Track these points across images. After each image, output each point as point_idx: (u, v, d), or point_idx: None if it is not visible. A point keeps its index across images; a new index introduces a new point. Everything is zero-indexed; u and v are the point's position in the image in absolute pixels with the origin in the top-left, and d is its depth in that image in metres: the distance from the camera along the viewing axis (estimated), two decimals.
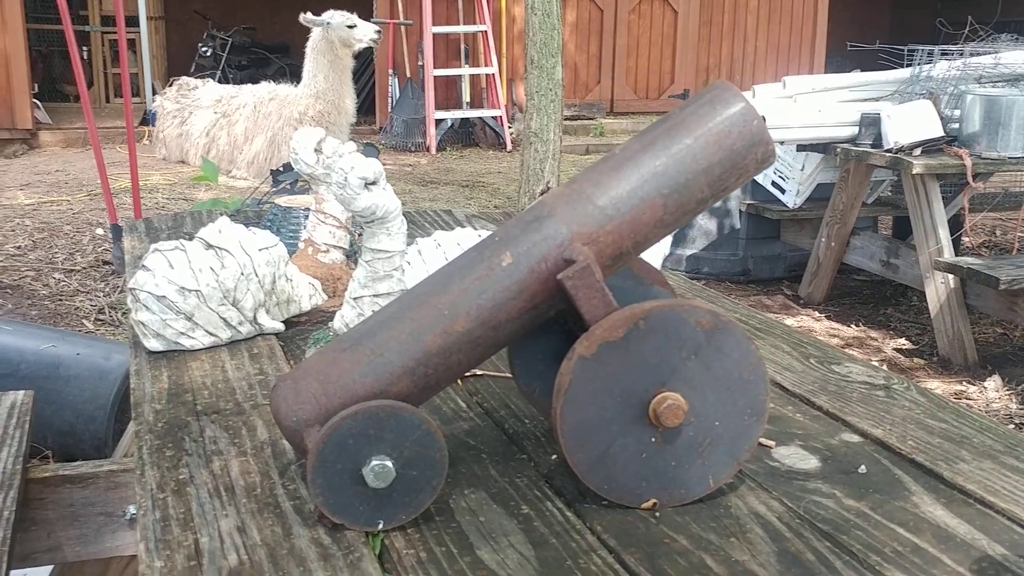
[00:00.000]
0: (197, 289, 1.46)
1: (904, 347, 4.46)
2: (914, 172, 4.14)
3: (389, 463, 0.98)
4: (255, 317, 1.53)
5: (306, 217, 1.88)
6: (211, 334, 1.49)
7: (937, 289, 4.27)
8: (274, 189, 2.23)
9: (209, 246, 1.50)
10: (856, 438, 1.25)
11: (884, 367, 4.24)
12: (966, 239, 5.16)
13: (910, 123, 4.32)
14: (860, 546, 1.00)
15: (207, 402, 1.31)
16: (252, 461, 1.16)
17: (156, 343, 1.48)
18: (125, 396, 2.72)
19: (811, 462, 1.18)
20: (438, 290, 1.05)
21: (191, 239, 1.53)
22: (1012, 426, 3.51)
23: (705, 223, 5.24)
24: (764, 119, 1.04)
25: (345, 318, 1.45)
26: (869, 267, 4.89)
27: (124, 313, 4.19)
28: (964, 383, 3.98)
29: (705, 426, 1.04)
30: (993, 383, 3.93)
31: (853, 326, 4.65)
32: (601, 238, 1.04)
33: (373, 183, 1.39)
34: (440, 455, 1.00)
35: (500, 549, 0.98)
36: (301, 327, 1.61)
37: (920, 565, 0.97)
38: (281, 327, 1.56)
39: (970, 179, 4.18)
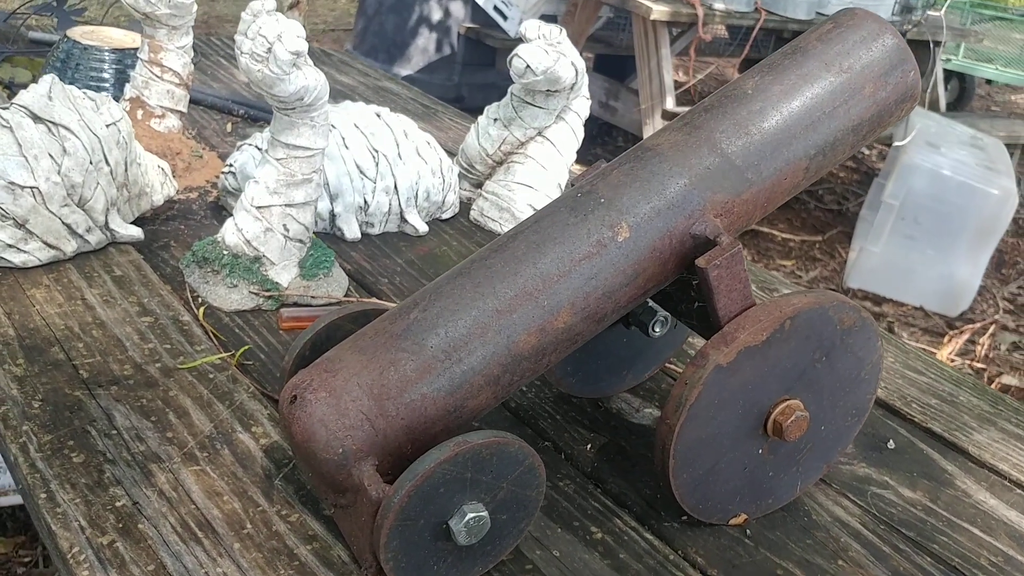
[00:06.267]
0: (34, 185, 1.04)
1: None
2: (652, 18, 4.10)
3: (485, 513, 0.73)
4: (107, 222, 1.13)
5: (117, 63, 1.43)
6: (51, 246, 1.08)
7: None
8: (31, 2, 1.68)
9: (38, 119, 1.07)
10: None
11: None
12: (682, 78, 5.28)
13: None
14: (958, 559, 0.90)
15: (92, 364, 0.95)
16: (211, 471, 0.84)
17: None
18: None
19: None
20: (527, 269, 0.77)
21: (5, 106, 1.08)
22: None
23: (424, 42, 4.94)
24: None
25: (246, 232, 1.10)
26: None
27: None
28: None
29: (811, 432, 0.88)
30: None
31: None
32: (735, 208, 0.81)
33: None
34: (536, 493, 0.76)
35: None
36: (151, 227, 1.23)
37: None
38: (139, 234, 1.17)
39: (700, 29, 4.22)
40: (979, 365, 3.14)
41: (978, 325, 3.38)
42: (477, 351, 0.75)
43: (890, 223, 3.65)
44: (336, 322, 0.83)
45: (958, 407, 1.16)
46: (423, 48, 4.95)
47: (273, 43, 1.00)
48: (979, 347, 3.21)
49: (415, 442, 0.75)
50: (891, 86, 0.84)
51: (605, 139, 5.12)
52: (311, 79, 1.05)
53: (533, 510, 0.77)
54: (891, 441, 1.07)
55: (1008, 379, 3.11)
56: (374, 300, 1.16)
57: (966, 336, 3.24)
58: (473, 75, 5.04)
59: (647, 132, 4.36)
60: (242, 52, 1.02)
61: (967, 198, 3.50)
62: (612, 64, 5.24)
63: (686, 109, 4.21)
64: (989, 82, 6.73)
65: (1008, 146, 4.27)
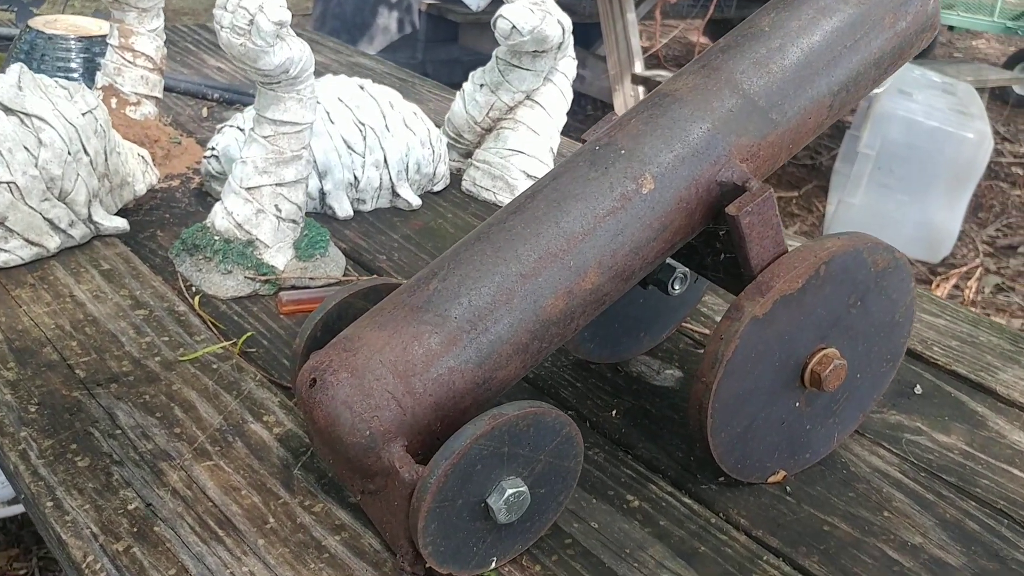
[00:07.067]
0: (11, 180, 0.99)
1: None
2: None
3: (524, 488, 0.69)
4: (90, 214, 1.07)
5: (84, 51, 1.37)
6: (33, 243, 1.03)
7: (627, 102, 4.31)
8: None
9: (9, 111, 1.01)
10: None
11: None
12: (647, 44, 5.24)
13: None
14: (1004, 502, 0.88)
15: (88, 362, 0.90)
16: (225, 465, 0.80)
17: None
18: None
19: None
20: (549, 229, 0.73)
21: None
22: None
23: (385, 21, 4.86)
24: None
25: (236, 215, 1.05)
26: None
27: None
28: None
29: (847, 380, 0.84)
30: None
31: None
32: (761, 152, 0.77)
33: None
34: (575, 463, 0.73)
35: (652, 573, 0.74)
36: (135, 217, 1.17)
37: None
38: (125, 225, 1.12)
39: None
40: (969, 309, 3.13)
41: (964, 269, 3.37)
42: (504, 319, 0.71)
43: (867, 174, 3.63)
44: (347, 300, 0.79)
45: (979, 347, 1.14)
46: (384, 27, 4.87)
47: (255, 14, 0.95)
48: (967, 291, 3.21)
49: (444, 419, 0.71)
50: (911, 16, 0.80)
51: (574, 108, 5.06)
52: (296, 50, 1.00)
53: (572, 481, 0.73)
54: (918, 386, 1.04)
55: (996, 321, 3.10)
56: (376, 277, 1.11)
57: (952, 282, 3.24)
58: (437, 51, 4.97)
59: (617, 98, 4.32)
60: (222, 26, 0.97)
61: (943, 143, 3.49)
62: (577, 32, 5.17)
63: (656, 72, 4.17)
64: (951, 28, 6.73)
65: (976, 91, 4.26)
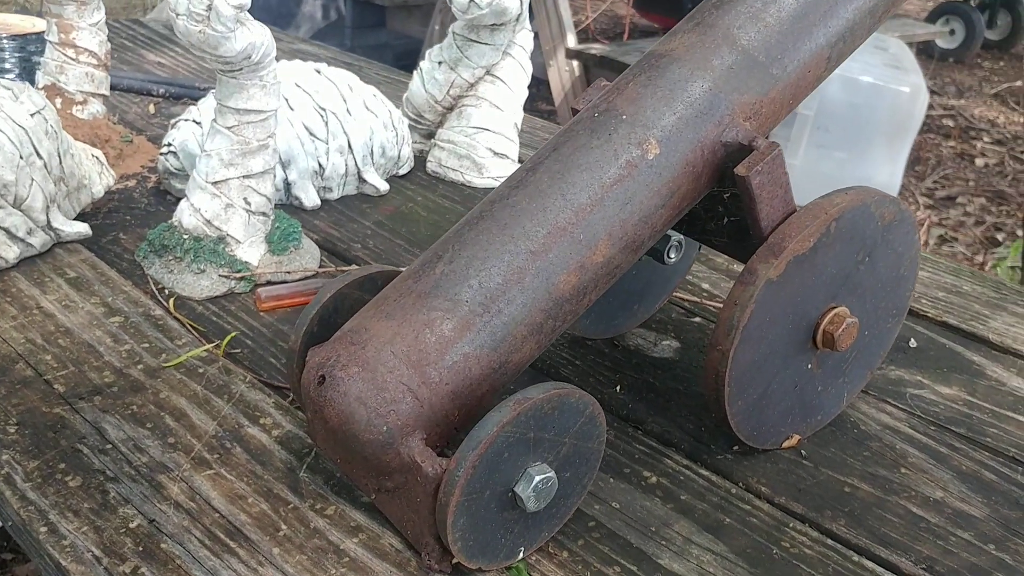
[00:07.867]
0: None
1: None
2: None
3: (552, 473, 0.66)
4: (48, 221, 1.02)
5: (19, 50, 1.30)
6: None
7: (561, 77, 4.28)
8: None
9: None
10: None
11: None
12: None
13: None
14: (1015, 449, 0.87)
15: (66, 376, 0.85)
16: (227, 473, 0.75)
17: None
18: None
19: None
20: (556, 202, 0.70)
21: None
22: None
23: (311, 10, 4.77)
24: None
25: (204, 212, 1.01)
26: None
27: None
28: None
29: (856, 339, 0.83)
30: None
31: None
32: (763, 109, 0.75)
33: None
34: (598, 443, 0.70)
35: (683, 551, 0.72)
36: (95, 221, 1.11)
37: None
38: (86, 230, 1.06)
39: None
40: None
41: None
42: (516, 299, 0.68)
43: (806, 134, 3.65)
44: (342, 291, 0.75)
45: (965, 297, 1.14)
46: (310, 16, 4.78)
47: None
48: None
49: (462, 408, 0.67)
50: None
51: None
52: (257, 35, 0.95)
53: (596, 463, 0.71)
54: (912, 340, 1.04)
55: (975, 270, 3.15)
56: (369, 265, 1.07)
57: None
58: (365, 38, 4.89)
59: (552, 73, 4.29)
60: (178, 13, 0.92)
61: (879, 99, 3.53)
62: None
63: (589, 46, 4.14)
64: None
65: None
